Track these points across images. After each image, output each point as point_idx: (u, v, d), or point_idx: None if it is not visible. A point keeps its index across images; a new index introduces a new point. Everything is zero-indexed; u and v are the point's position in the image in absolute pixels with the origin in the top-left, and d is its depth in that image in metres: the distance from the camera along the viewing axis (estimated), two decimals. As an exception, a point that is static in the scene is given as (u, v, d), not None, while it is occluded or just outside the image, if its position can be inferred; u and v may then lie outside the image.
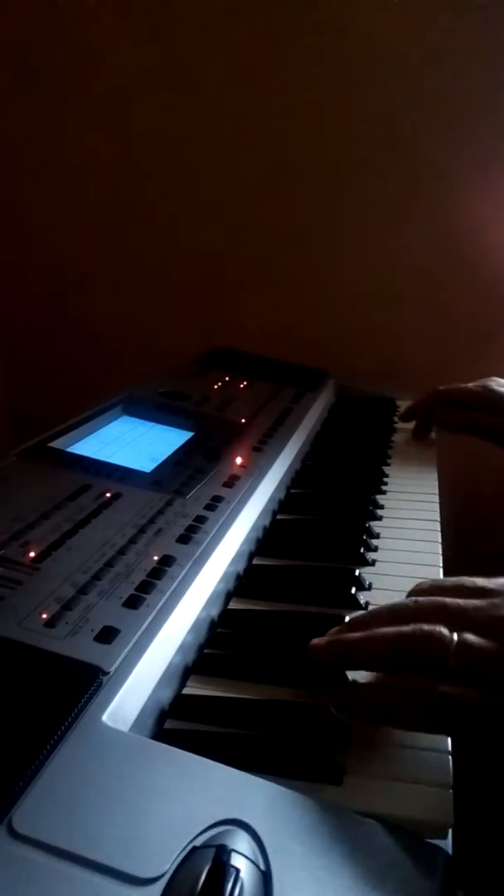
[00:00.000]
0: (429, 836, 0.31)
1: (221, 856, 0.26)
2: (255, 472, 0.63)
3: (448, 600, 0.39)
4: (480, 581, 0.40)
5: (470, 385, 0.81)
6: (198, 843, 0.27)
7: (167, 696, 0.39)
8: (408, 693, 0.37)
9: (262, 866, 0.27)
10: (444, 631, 0.36)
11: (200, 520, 0.52)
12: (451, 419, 0.84)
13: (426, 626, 0.36)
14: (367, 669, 0.40)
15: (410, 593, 0.42)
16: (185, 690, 0.40)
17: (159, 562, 0.45)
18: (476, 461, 1.02)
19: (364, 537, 0.58)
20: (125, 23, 1.09)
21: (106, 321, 1.27)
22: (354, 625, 0.41)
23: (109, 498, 0.53)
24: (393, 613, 0.39)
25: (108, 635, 0.38)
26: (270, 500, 0.62)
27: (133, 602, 0.41)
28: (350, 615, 0.47)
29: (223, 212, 1.16)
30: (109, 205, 1.20)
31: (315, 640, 0.40)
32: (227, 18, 1.05)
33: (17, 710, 0.32)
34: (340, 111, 1.07)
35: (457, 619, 0.37)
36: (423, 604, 0.39)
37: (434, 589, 0.41)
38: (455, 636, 0.36)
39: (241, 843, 0.27)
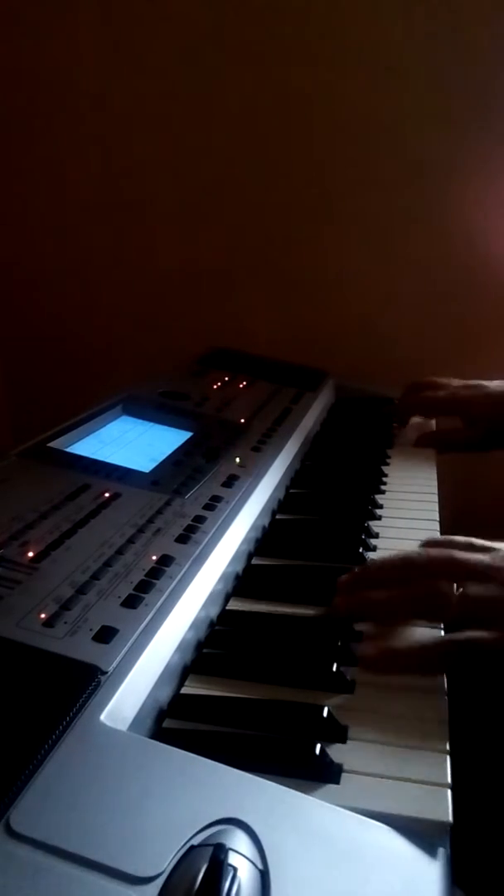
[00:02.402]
0: (428, 835, 0.31)
1: (219, 854, 0.26)
2: (255, 472, 0.63)
3: (457, 553, 0.45)
4: (489, 542, 0.46)
5: (439, 394, 0.82)
6: (195, 841, 0.27)
7: (165, 695, 0.39)
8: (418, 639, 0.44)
9: (260, 865, 0.27)
10: (448, 588, 0.44)
11: (199, 520, 0.52)
12: (433, 442, 0.83)
13: (436, 582, 0.44)
14: (381, 623, 0.46)
15: (423, 544, 0.48)
16: (184, 690, 0.40)
17: (158, 561, 0.45)
18: (476, 461, 1.02)
19: (363, 537, 0.58)
20: (122, 20, 1.09)
21: (106, 321, 1.27)
22: (368, 577, 0.47)
23: (108, 498, 0.53)
24: (405, 564, 0.46)
25: (106, 635, 0.38)
26: (270, 500, 0.62)
27: (132, 602, 0.41)
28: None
29: (223, 213, 1.16)
30: (109, 206, 1.20)
31: (338, 599, 0.47)
32: (227, 24, 1.05)
33: (16, 709, 0.32)
34: (340, 113, 1.07)
35: (463, 572, 0.44)
36: (434, 555, 0.45)
37: (446, 542, 0.47)
38: (459, 590, 0.43)
39: (238, 842, 0.27)
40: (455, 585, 0.45)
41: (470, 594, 0.43)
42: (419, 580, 0.45)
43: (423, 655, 0.42)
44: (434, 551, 0.46)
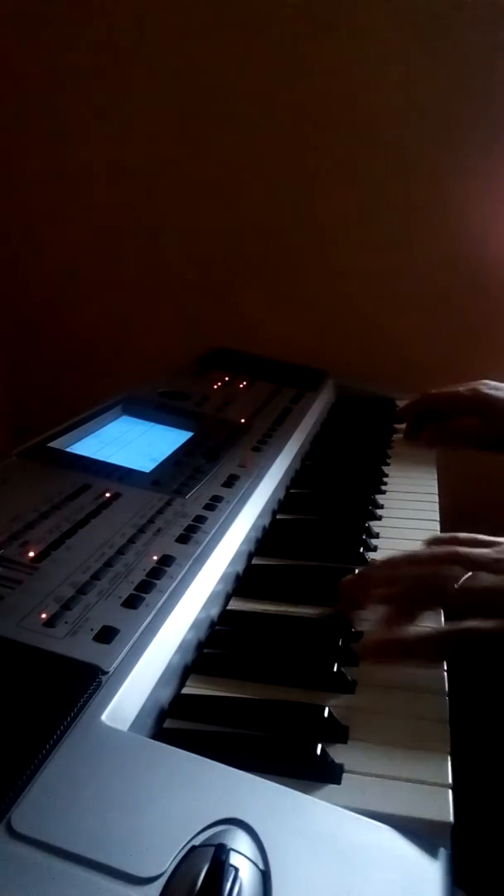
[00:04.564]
0: (429, 835, 0.31)
1: (220, 855, 0.26)
2: (255, 471, 0.63)
3: (461, 548, 0.45)
4: (492, 538, 0.47)
5: (460, 389, 0.79)
6: (197, 842, 0.27)
7: (166, 695, 0.39)
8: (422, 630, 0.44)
9: (262, 865, 0.27)
10: (455, 572, 0.43)
11: (200, 520, 0.52)
12: (447, 436, 0.82)
13: (439, 569, 0.44)
14: (383, 603, 0.46)
15: (427, 542, 0.49)
16: (185, 690, 0.40)
17: (158, 562, 0.46)
18: (476, 460, 1.02)
19: (363, 537, 0.58)
20: (123, 22, 1.09)
21: (106, 321, 1.27)
22: (375, 567, 0.49)
23: (109, 498, 0.53)
24: (410, 559, 0.46)
25: (107, 635, 0.38)
26: (270, 499, 0.62)
27: (132, 602, 0.41)
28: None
29: (223, 213, 1.16)
30: (109, 206, 1.20)
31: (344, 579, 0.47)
32: (228, 21, 1.05)
33: (17, 709, 0.32)
34: (341, 114, 1.07)
35: (467, 564, 0.44)
36: (438, 552, 0.46)
37: (449, 539, 0.48)
38: (464, 577, 0.43)
39: (240, 843, 0.27)
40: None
41: (473, 585, 0.43)
42: (423, 567, 0.46)
43: (425, 643, 0.42)
44: (438, 548, 0.47)
